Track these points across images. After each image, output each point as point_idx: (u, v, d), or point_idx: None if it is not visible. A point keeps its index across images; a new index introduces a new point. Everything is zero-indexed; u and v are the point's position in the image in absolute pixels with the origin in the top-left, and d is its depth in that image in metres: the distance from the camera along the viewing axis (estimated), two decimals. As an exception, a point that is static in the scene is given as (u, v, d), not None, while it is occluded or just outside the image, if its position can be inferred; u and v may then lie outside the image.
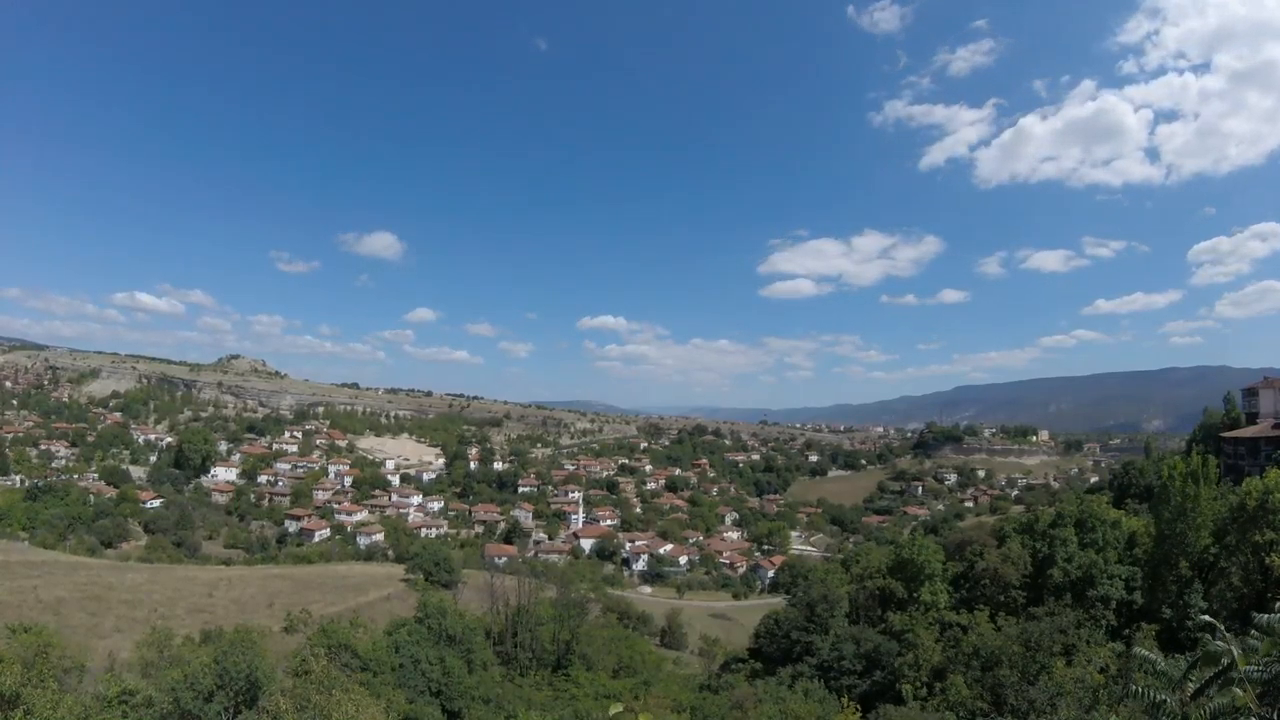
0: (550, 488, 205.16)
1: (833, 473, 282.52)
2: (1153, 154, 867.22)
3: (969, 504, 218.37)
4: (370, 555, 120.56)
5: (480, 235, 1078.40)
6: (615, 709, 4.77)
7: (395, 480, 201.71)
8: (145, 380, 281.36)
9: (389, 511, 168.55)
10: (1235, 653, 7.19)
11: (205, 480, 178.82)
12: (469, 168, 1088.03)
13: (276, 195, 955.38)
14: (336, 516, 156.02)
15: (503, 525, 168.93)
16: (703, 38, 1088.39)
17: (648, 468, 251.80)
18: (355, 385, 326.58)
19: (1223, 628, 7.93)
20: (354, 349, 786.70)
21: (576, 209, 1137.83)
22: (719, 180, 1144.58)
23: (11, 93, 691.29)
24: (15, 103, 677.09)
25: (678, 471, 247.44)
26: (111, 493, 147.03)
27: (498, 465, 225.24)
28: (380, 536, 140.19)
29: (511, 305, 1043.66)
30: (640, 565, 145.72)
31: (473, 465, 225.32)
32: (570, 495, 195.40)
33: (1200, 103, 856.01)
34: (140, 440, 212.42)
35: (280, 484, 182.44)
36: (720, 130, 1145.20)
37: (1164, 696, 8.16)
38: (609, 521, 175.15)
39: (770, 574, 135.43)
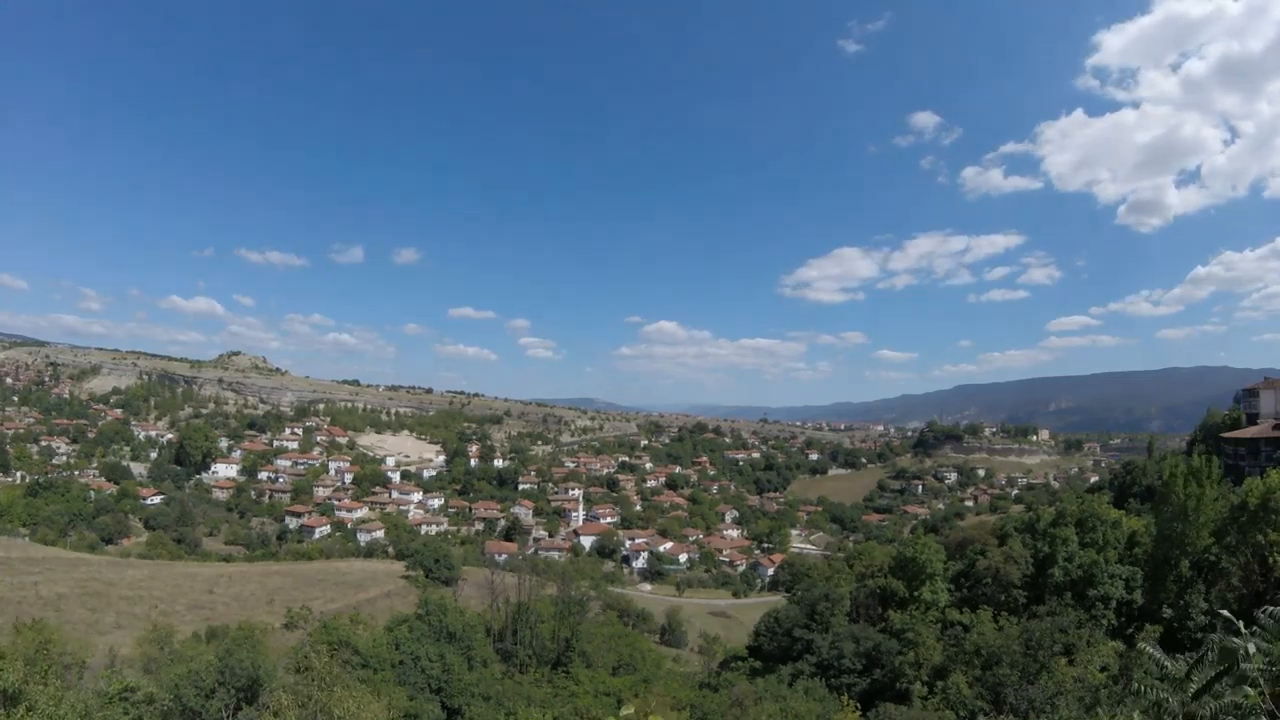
0: (550, 485, 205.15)
1: (833, 471, 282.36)
2: (1185, 175, 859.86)
3: (969, 503, 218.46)
4: (370, 552, 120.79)
5: (506, 234, 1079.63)
6: (627, 710, 4.75)
7: (395, 477, 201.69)
8: (146, 377, 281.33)
9: (389, 508, 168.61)
10: (1251, 648, 7.14)
11: (206, 477, 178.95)
12: (503, 171, 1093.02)
13: (317, 193, 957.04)
14: (337, 513, 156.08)
15: (503, 522, 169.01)
16: (709, 40, 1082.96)
17: (648, 465, 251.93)
18: (356, 382, 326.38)
19: (1240, 624, 7.89)
20: (384, 347, 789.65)
21: (601, 209, 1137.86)
22: (748, 183, 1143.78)
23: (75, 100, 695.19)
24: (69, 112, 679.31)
25: (678, 469, 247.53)
26: (112, 489, 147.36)
27: (498, 462, 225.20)
28: (380, 533, 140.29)
29: (539, 302, 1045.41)
30: (640, 563, 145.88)
31: (473, 462, 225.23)
32: (570, 493, 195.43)
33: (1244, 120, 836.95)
34: (141, 436, 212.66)
35: (281, 480, 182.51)
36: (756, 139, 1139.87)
37: (1166, 694, 8.15)
38: (609, 519, 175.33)
39: (770, 572, 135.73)
